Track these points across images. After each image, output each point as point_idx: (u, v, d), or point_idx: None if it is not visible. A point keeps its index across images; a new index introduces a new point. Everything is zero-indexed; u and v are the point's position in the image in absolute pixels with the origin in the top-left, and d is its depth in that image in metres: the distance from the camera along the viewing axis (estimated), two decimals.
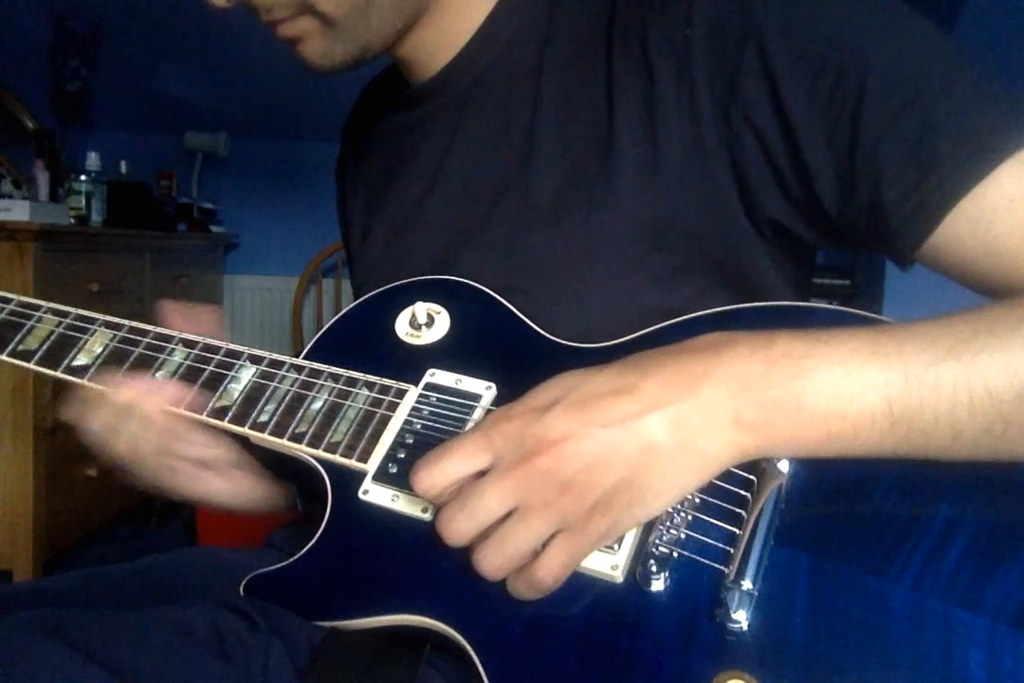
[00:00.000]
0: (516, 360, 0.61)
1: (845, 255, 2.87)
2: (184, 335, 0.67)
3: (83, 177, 2.50)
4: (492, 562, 0.47)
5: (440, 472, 0.48)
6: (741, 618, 0.46)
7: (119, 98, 3.03)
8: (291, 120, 3.08)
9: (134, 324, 0.68)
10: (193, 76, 2.90)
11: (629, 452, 0.45)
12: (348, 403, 0.61)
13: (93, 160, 2.58)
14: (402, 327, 0.65)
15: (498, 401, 0.58)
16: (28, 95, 2.64)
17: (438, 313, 0.65)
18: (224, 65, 2.73)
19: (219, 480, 0.68)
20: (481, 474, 0.48)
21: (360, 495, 0.57)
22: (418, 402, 0.60)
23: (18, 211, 1.99)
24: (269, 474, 0.73)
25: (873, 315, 0.54)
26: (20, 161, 2.47)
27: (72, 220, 2.38)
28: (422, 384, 0.61)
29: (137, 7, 2.55)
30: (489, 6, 0.68)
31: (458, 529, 0.47)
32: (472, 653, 0.49)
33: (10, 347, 0.69)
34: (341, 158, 0.88)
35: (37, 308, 0.70)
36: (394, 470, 0.57)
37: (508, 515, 0.47)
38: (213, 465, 0.68)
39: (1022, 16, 2.32)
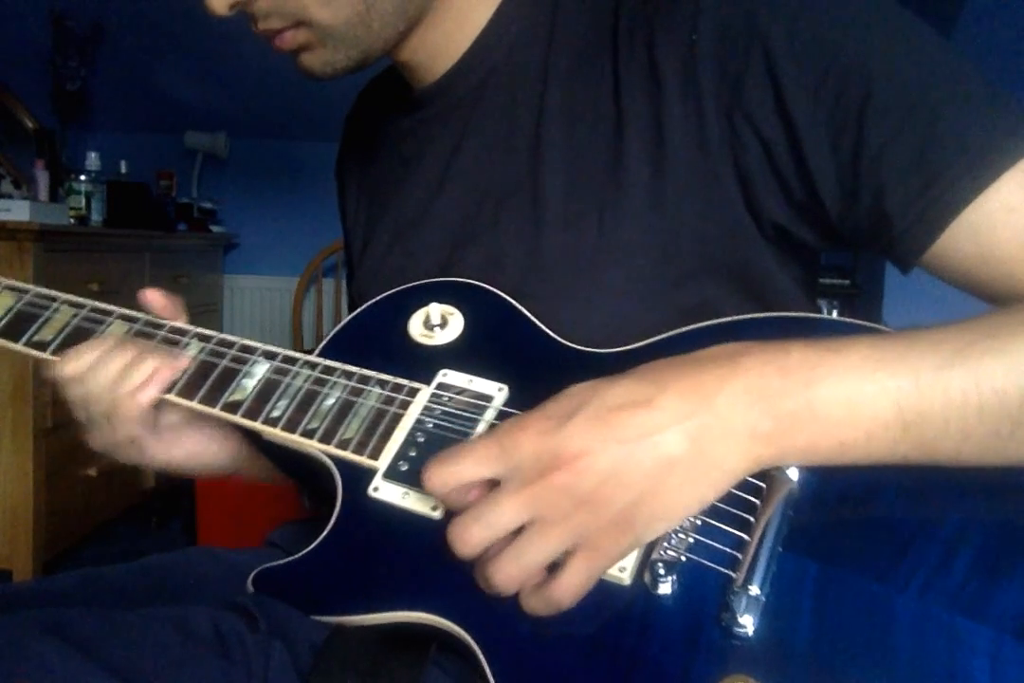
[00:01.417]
0: (528, 363, 0.61)
1: (846, 255, 2.88)
2: (199, 330, 0.67)
3: (83, 177, 2.50)
4: (507, 573, 0.46)
5: (451, 473, 0.48)
6: (747, 623, 0.46)
7: (119, 98, 3.03)
8: (291, 120, 3.09)
9: (149, 318, 0.69)
10: (193, 76, 2.90)
11: (647, 467, 0.45)
12: (360, 401, 0.61)
13: (93, 160, 2.58)
14: (416, 327, 0.65)
15: (510, 402, 0.58)
16: (28, 95, 2.64)
17: (452, 314, 0.65)
18: (224, 65, 2.73)
19: (177, 445, 0.69)
20: (492, 482, 0.48)
21: (370, 492, 0.57)
22: (430, 401, 0.60)
23: (18, 211, 1.99)
24: (229, 431, 0.73)
25: (879, 326, 0.55)
26: (20, 161, 2.47)
27: (72, 220, 2.37)
28: (434, 384, 0.61)
29: (137, 7, 2.55)
30: (491, 9, 0.67)
31: (471, 539, 0.46)
32: (478, 652, 0.49)
33: (26, 336, 0.69)
34: (341, 159, 0.87)
35: (54, 299, 0.71)
36: (405, 468, 0.57)
37: (520, 530, 0.46)
38: (167, 428, 0.68)
39: (1020, 20, 2.32)
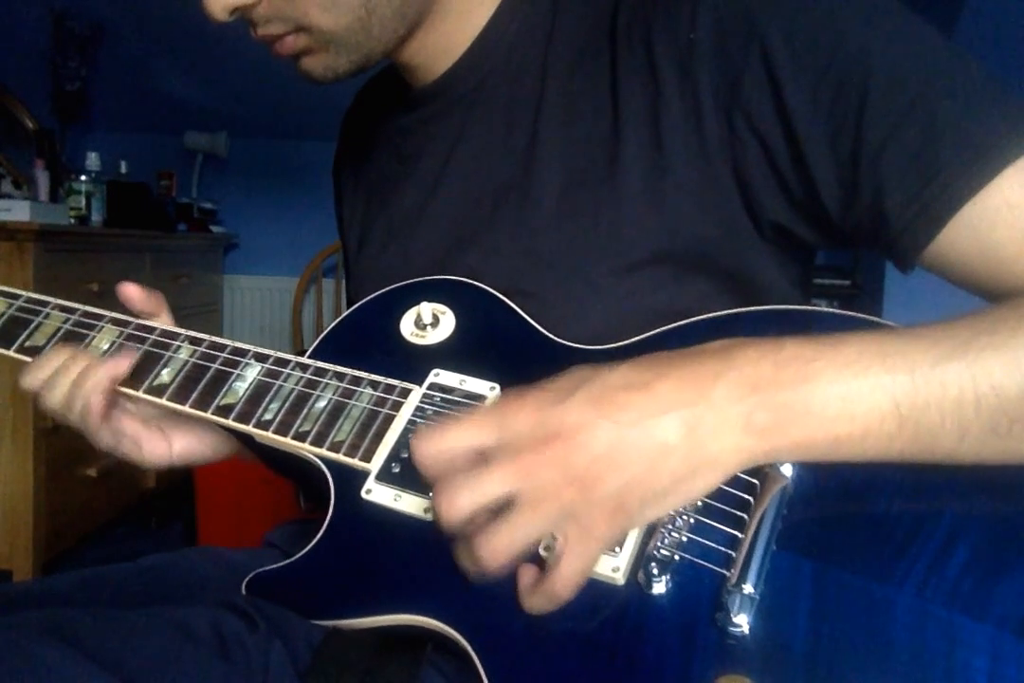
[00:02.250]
0: (520, 361, 0.61)
1: (846, 255, 2.88)
2: (190, 333, 0.67)
3: (83, 177, 2.50)
4: (494, 547, 0.45)
5: (442, 440, 0.47)
6: (742, 622, 0.46)
7: (119, 98, 3.03)
8: (291, 120, 3.08)
9: (140, 321, 0.69)
10: (193, 76, 2.90)
11: (642, 451, 0.45)
12: (352, 402, 0.61)
13: (93, 160, 2.57)
14: (407, 327, 0.65)
15: None
16: (28, 95, 2.64)
17: (443, 313, 0.65)
18: (224, 65, 2.73)
19: (178, 439, 0.71)
20: (484, 456, 0.47)
21: (363, 494, 0.57)
22: (422, 402, 0.60)
23: (18, 211, 1.99)
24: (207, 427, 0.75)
25: (876, 319, 0.55)
26: (20, 161, 2.47)
27: (72, 220, 2.37)
28: (426, 384, 0.61)
29: (137, 7, 2.55)
30: (491, 9, 0.67)
31: (458, 501, 0.45)
32: (473, 654, 0.49)
33: (18, 343, 0.69)
34: (338, 158, 0.87)
35: (45, 304, 0.71)
36: (397, 470, 0.57)
37: (506, 508, 0.46)
38: (168, 423, 0.71)
39: (1021, 19, 2.32)
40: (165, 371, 0.66)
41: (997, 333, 0.45)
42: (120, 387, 0.66)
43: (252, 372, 0.64)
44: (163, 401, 0.64)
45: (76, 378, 0.65)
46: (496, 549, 0.45)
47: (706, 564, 0.49)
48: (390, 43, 0.64)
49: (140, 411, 0.71)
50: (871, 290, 2.82)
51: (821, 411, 0.45)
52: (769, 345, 0.47)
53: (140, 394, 0.65)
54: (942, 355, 0.45)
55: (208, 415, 0.63)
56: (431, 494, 0.54)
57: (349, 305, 0.80)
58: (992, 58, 2.33)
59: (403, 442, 0.58)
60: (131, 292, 0.70)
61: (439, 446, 0.47)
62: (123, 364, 0.65)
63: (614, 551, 0.49)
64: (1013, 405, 0.44)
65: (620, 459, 0.45)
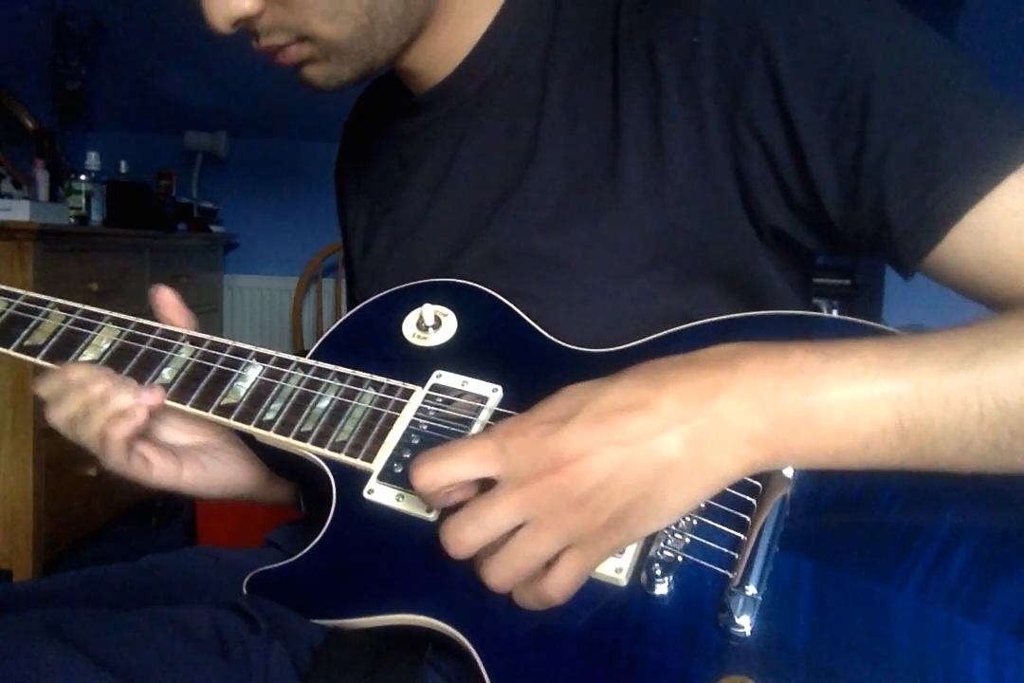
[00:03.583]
0: (522, 363, 0.61)
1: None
2: (191, 333, 0.67)
3: (83, 177, 2.51)
4: (501, 576, 0.47)
5: (443, 471, 0.47)
6: (745, 623, 0.46)
7: (119, 98, 3.03)
8: (291, 120, 3.08)
9: (141, 321, 0.69)
10: (193, 76, 2.90)
11: (644, 471, 0.45)
12: (354, 402, 0.61)
13: (93, 160, 2.58)
14: (409, 329, 0.65)
15: (504, 403, 0.58)
16: (28, 95, 2.64)
17: (445, 315, 0.65)
18: (224, 65, 2.72)
19: (190, 468, 0.66)
20: (485, 483, 0.48)
21: (365, 494, 0.57)
22: (424, 403, 0.60)
23: (18, 211, 1.99)
24: (249, 458, 0.72)
25: (878, 325, 0.55)
26: (20, 161, 2.47)
27: (72, 220, 2.38)
28: (428, 385, 0.61)
29: (137, 7, 2.55)
30: (491, 14, 0.67)
31: (465, 540, 0.46)
32: (475, 654, 0.49)
33: (17, 341, 0.69)
34: (340, 163, 0.87)
35: (44, 303, 0.71)
36: (399, 470, 0.57)
37: (514, 529, 0.46)
38: (184, 451, 0.67)
39: (1021, 17, 2.32)
40: (166, 371, 0.65)
41: (1003, 346, 0.45)
42: (170, 401, 0.63)
43: (254, 372, 0.64)
44: (166, 401, 0.64)
45: (95, 398, 0.60)
46: (500, 577, 0.47)
47: (709, 565, 0.49)
48: (393, 51, 0.63)
49: (161, 433, 0.68)
50: (871, 290, 2.83)
51: (824, 423, 0.45)
52: (775, 354, 0.47)
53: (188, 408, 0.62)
54: (948, 368, 0.44)
55: (209, 414, 0.63)
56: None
57: (351, 309, 0.80)
58: (992, 58, 2.33)
59: (405, 443, 0.58)
60: (166, 298, 0.68)
61: (439, 475, 0.47)
62: (158, 396, 0.61)
63: (617, 553, 0.49)
64: (1016, 420, 0.44)
65: (622, 482, 0.45)
